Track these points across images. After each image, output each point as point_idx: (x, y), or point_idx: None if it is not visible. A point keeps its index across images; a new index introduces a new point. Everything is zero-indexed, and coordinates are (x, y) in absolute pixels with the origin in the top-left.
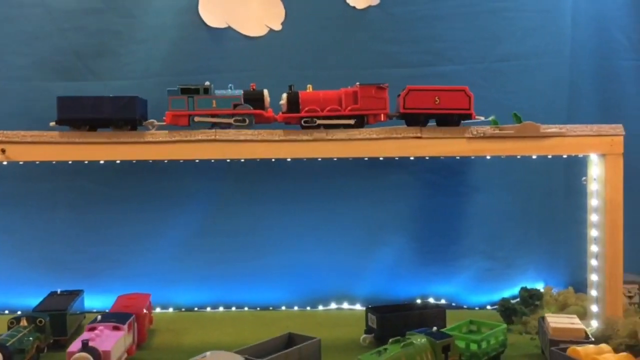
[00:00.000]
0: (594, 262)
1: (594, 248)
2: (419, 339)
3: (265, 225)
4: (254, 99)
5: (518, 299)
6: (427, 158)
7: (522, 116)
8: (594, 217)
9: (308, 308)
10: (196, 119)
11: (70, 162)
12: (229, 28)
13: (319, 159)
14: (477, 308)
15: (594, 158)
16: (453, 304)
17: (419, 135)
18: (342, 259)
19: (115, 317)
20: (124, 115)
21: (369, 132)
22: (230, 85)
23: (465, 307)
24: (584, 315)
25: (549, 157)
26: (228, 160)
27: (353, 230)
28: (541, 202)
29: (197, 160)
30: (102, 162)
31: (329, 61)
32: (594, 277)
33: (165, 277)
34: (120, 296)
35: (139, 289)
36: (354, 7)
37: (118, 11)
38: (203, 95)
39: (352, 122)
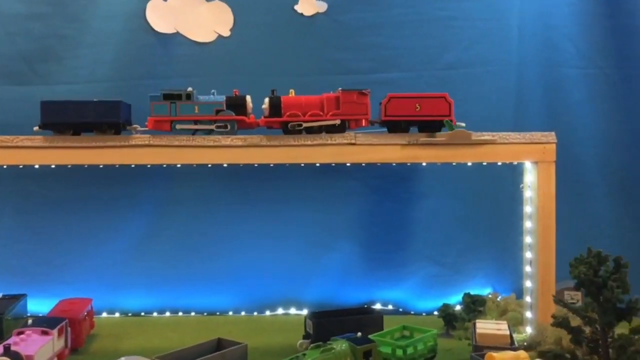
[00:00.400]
0: (528, 269)
1: (528, 255)
2: (341, 345)
3: (213, 231)
4: (237, 104)
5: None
6: (363, 165)
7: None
8: (528, 224)
9: (255, 313)
10: (177, 126)
11: (5, 167)
12: (178, 34)
13: (256, 165)
14: (424, 314)
15: (529, 165)
16: (400, 310)
17: (353, 141)
18: (290, 265)
19: (46, 322)
20: (107, 120)
21: (304, 138)
22: (213, 91)
23: (412, 312)
24: (522, 321)
25: (489, 163)
26: (164, 165)
27: (301, 235)
28: (489, 208)
29: (133, 165)
30: (37, 166)
31: (277, 68)
32: (528, 284)
33: (112, 282)
34: (61, 301)
35: (86, 293)
36: (301, 14)
37: (65, 16)
38: (185, 101)
39: (337, 122)
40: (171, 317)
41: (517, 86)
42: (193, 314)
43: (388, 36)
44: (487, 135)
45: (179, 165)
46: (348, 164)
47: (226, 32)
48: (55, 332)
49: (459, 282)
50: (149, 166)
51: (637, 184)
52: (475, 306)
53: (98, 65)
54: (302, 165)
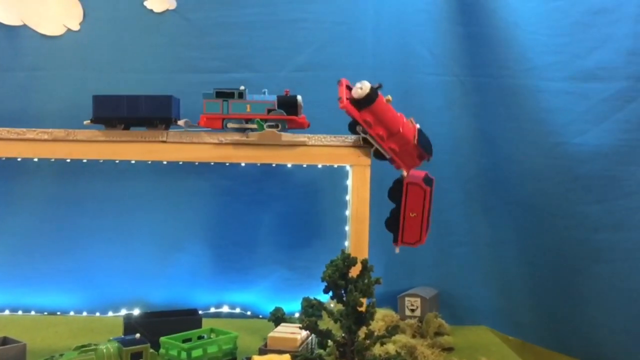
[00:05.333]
0: None
1: None
2: (110, 346)
3: (56, 227)
4: (288, 104)
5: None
6: (226, 164)
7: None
8: (347, 228)
9: (97, 314)
10: (229, 125)
11: None
12: (25, 26)
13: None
14: None
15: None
16: (248, 313)
17: (164, 139)
18: (137, 265)
19: None
20: (159, 115)
21: (114, 134)
22: (264, 90)
23: (260, 316)
24: None
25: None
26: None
27: (149, 235)
28: (340, 212)
29: None
30: None
31: (126, 64)
32: None
33: None
34: None
35: None
36: (151, 11)
37: None
38: (237, 100)
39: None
40: (8, 315)
41: None
42: (33, 312)
43: (238, 36)
44: (301, 137)
45: (19, 159)
46: (196, 163)
47: (76, 26)
48: None
49: (312, 286)
50: None
51: (491, 191)
52: (312, 310)
53: None
54: (149, 162)
